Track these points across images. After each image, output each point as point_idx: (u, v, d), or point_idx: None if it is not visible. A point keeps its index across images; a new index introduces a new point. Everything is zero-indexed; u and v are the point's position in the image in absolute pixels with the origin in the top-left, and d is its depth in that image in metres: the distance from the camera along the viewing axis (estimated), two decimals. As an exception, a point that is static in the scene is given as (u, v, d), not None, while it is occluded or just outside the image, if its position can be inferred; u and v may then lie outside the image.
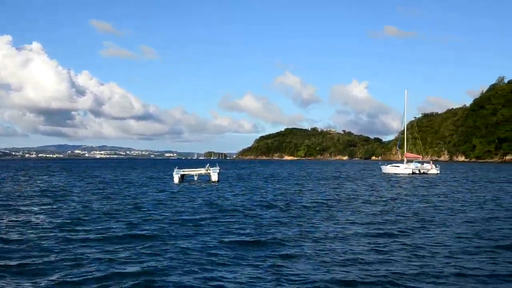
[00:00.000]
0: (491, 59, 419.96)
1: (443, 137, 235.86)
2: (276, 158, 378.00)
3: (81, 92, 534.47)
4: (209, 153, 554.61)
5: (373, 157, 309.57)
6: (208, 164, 51.25)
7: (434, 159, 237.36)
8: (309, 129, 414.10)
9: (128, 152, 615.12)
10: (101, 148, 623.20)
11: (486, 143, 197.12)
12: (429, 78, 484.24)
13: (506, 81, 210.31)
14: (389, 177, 62.19)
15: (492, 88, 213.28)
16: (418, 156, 76.36)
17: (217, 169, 48.47)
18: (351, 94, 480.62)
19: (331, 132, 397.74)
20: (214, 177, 47.34)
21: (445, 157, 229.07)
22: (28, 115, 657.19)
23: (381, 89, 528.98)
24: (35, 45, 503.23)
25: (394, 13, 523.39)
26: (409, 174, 66.70)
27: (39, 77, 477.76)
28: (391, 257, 12.76)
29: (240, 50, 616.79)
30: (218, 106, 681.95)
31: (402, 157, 75.35)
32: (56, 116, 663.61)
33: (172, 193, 34.13)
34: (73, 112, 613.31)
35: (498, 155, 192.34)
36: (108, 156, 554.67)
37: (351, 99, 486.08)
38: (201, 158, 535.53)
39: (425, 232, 17.05)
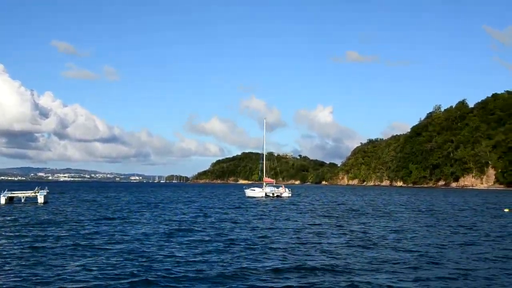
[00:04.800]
0: (453, 80, 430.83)
1: (385, 163, 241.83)
2: (231, 182, 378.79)
3: (44, 113, 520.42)
4: (171, 177, 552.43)
5: (323, 182, 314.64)
6: (37, 187, 53.76)
7: (377, 184, 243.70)
8: (266, 154, 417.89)
9: (93, 175, 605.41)
10: (65, 171, 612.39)
11: (422, 169, 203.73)
12: (394, 102, 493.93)
13: (442, 109, 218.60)
14: (247, 199, 68.16)
15: (430, 115, 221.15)
16: (272, 180, 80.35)
17: (44, 192, 51.23)
18: (316, 119, 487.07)
19: (287, 157, 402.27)
20: (41, 199, 49.79)
21: (386, 182, 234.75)
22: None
23: (346, 114, 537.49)
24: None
25: (355, 38, 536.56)
26: (262, 196, 70.85)
27: (1, 97, 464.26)
28: None
29: (205, 71, 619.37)
30: (183, 129, 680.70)
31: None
32: (19, 138, 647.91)
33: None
34: (36, 134, 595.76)
35: (432, 180, 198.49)
36: (72, 179, 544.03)
37: (316, 123, 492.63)
38: (162, 181, 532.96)
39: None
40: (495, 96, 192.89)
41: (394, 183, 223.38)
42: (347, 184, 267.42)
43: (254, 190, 75.44)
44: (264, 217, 35.32)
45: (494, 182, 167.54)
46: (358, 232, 25.06)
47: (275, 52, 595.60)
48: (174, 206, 49.38)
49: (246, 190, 78.38)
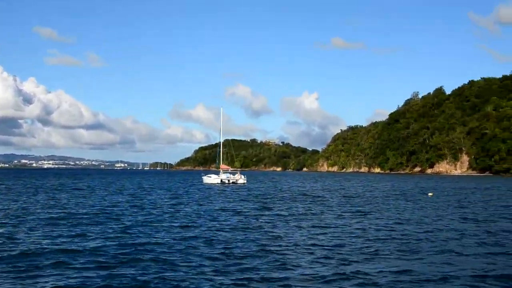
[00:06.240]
0: (439, 67, 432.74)
1: (363, 150, 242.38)
2: (213, 168, 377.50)
3: (27, 100, 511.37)
4: (155, 164, 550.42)
5: (304, 168, 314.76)
6: None
7: (355, 170, 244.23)
8: (249, 140, 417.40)
9: (78, 162, 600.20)
10: (50, 158, 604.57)
11: (398, 156, 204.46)
12: (378, 89, 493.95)
13: (420, 96, 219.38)
14: (204, 186, 67.19)
15: (408, 102, 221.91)
16: (228, 167, 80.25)
17: None
18: (301, 106, 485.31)
19: (270, 144, 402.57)
20: None
21: (364, 169, 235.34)
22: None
23: (332, 100, 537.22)
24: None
25: (341, 25, 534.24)
26: (217, 183, 70.96)
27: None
28: None
29: (190, 58, 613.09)
30: (169, 116, 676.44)
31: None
32: (2, 125, 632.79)
33: None
34: (20, 121, 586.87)
35: (408, 167, 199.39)
36: (56, 166, 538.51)
37: (301, 110, 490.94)
38: (146, 168, 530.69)
39: None
40: (471, 83, 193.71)
41: (372, 170, 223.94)
42: (327, 171, 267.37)
43: (211, 177, 75.28)
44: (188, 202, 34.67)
45: (468, 168, 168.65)
46: (253, 217, 24.37)
47: (260, 39, 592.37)
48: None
49: (203, 177, 78.16)
